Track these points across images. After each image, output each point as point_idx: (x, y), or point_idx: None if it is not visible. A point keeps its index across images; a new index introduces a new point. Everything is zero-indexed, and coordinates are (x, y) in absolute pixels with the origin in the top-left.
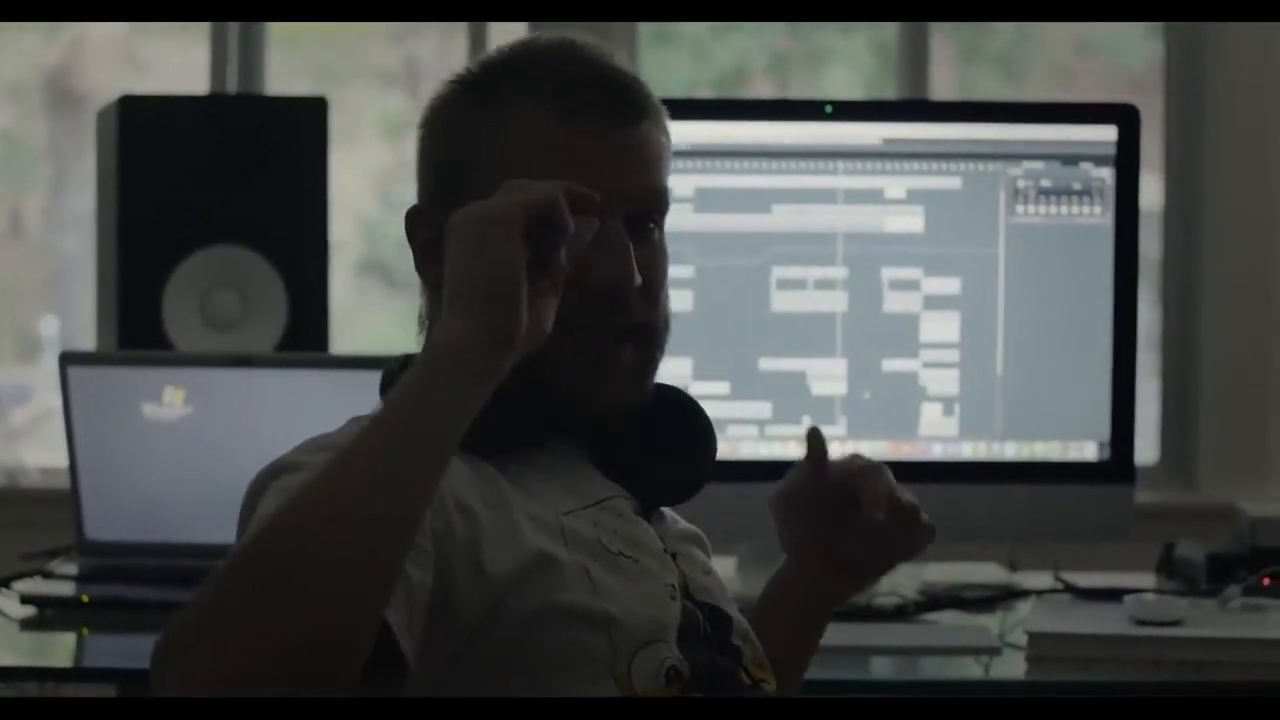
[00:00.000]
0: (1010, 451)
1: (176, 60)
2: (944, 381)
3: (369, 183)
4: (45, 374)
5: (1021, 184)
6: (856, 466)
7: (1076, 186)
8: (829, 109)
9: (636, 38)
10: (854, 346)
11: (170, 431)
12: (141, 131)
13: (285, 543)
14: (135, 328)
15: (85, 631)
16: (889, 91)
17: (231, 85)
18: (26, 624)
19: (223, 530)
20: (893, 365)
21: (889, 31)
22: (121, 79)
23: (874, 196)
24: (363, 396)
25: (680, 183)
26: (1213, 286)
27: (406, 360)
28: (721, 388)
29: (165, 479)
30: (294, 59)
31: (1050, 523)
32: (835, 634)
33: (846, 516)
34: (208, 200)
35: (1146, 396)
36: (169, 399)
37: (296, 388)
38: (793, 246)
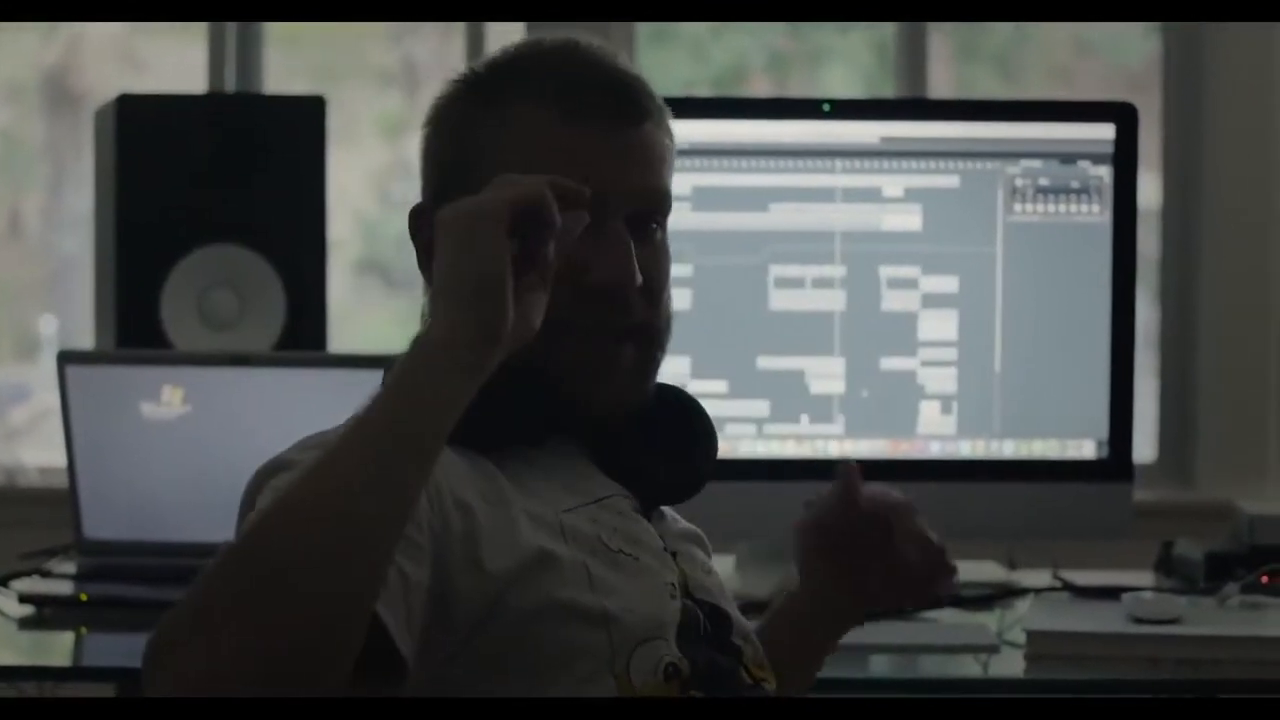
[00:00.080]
0: (1008, 450)
1: (174, 59)
2: (942, 380)
3: (367, 182)
4: (44, 373)
5: (1019, 182)
6: (890, 501)
7: (1074, 185)
8: (827, 108)
9: (634, 37)
10: (852, 345)
11: (168, 430)
12: (140, 131)
13: (273, 541)
14: (133, 327)
15: (84, 630)
16: (887, 90)
17: (230, 84)
18: (25, 623)
19: (221, 529)
20: (891, 364)
21: (887, 30)
22: (120, 78)
23: (872, 195)
24: (361, 395)
25: (678, 181)
26: (1211, 285)
27: None
28: (719, 386)
29: (163, 478)
30: (292, 58)
31: (1048, 521)
32: None
33: (870, 547)
34: (206, 199)
35: (1145, 395)
36: (167, 398)
37: (295, 387)
38: (791, 245)
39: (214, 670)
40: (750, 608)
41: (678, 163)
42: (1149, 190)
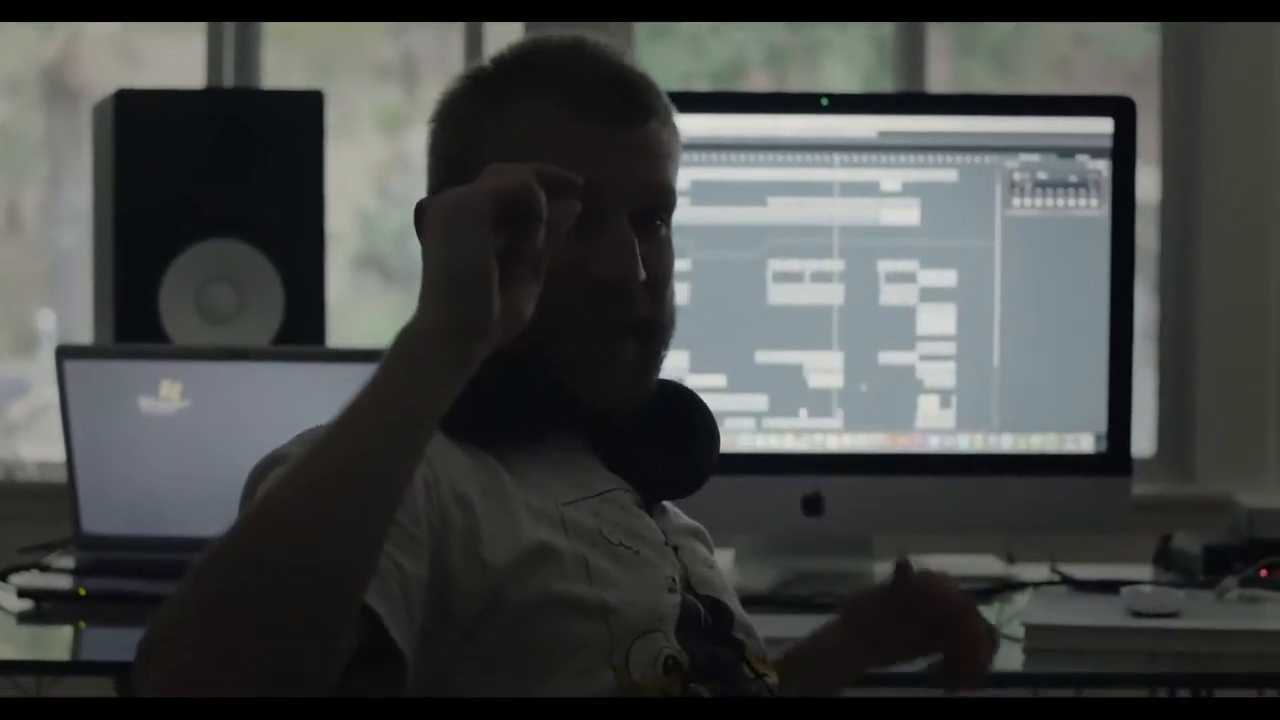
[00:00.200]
0: (1007, 444)
1: (173, 54)
2: (941, 374)
3: (366, 176)
4: (42, 368)
5: (1018, 176)
6: (945, 595)
7: (1073, 179)
8: (825, 102)
9: (633, 33)
10: (850, 339)
11: (167, 425)
12: (138, 125)
13: (259, 535)
14: (132, 321)
15: (82, 625)
16: (886, 85)
17: (228, 79)
18: (24, 617)
19: (220, 523)
20: (889, 358)
21: (885, 25)
22: (118, 73)
23: (870, 189)
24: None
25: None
26: (1210, 278)
27: None
28: (718, 380)
29: (162, 472)
30: (290, 53)
31: (1047, 514)
32: None
33: (916, 626)
34: (204, 194)
35: (1143, 388)
36: (166, 392)
37: (293, 381)
38: (789, 239)
39: (203, 664)
40: (750, 601)
41: None
42: (1147, 184)
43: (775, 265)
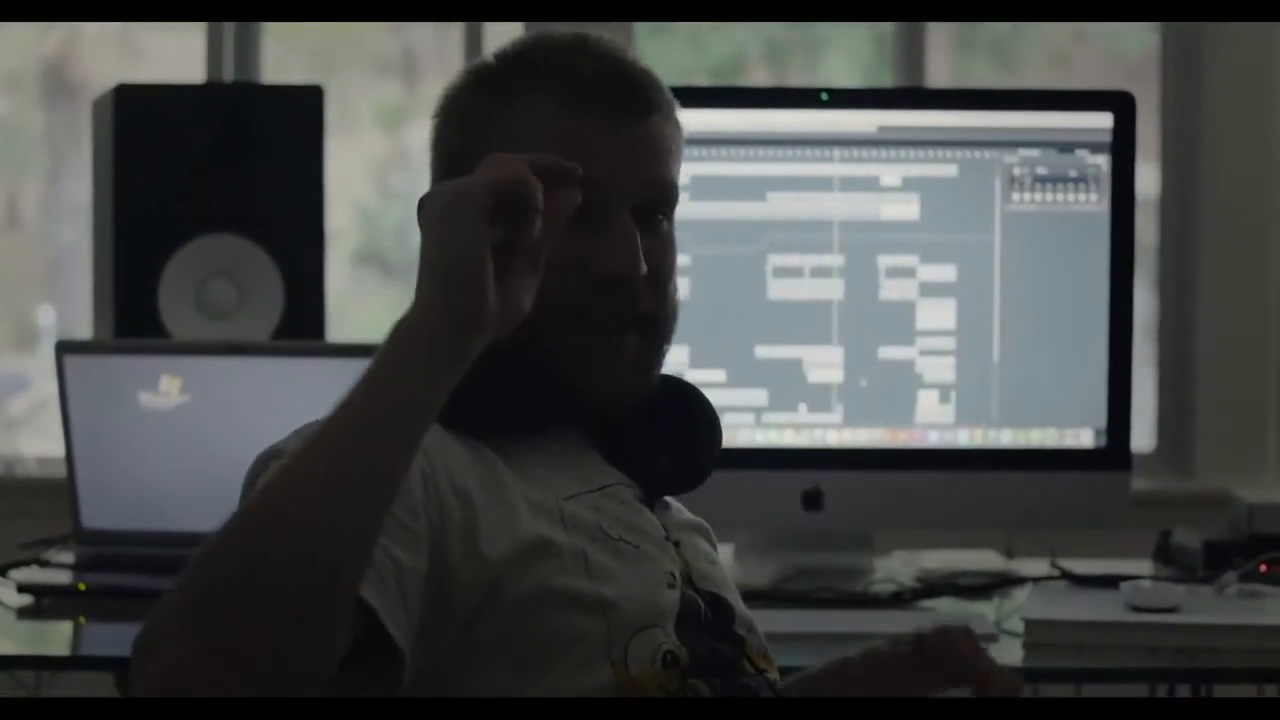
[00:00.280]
0: (1007, 439)
1: (172, 49)
2: (940, 369)
3: (366, 172)
4: (42, 363)
5: (1017, 171)
6: (971, 666)
7: (1072, 174)
8: (825, 96)
9: (633, 29)
10: (850, 334)
11: (166, 420)
12: (137, 120)
13: (252, 530)
14: (131, 317)
15: (82, 620)
16: (886, 80)
17: (227, 74)
18: (23, 612)
19: (220, 518)
20: (889, 353)
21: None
22: (117, 68)
23: (870, 184)
24: None
25: None
26: (1209, 274)
27: None
28: (718, 375)
29: (161, 467)
30: (290, 48)
31: (1047, 510)
32: (833, 621)
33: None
34: (204, 189)
35: (1143, 384)
36: (165, 388)
37: (293, 376)
38: (789, 234)
39: (200, 658)
40: (749, 596)
41: None
42: (1147, 179)
43: (775, 260)
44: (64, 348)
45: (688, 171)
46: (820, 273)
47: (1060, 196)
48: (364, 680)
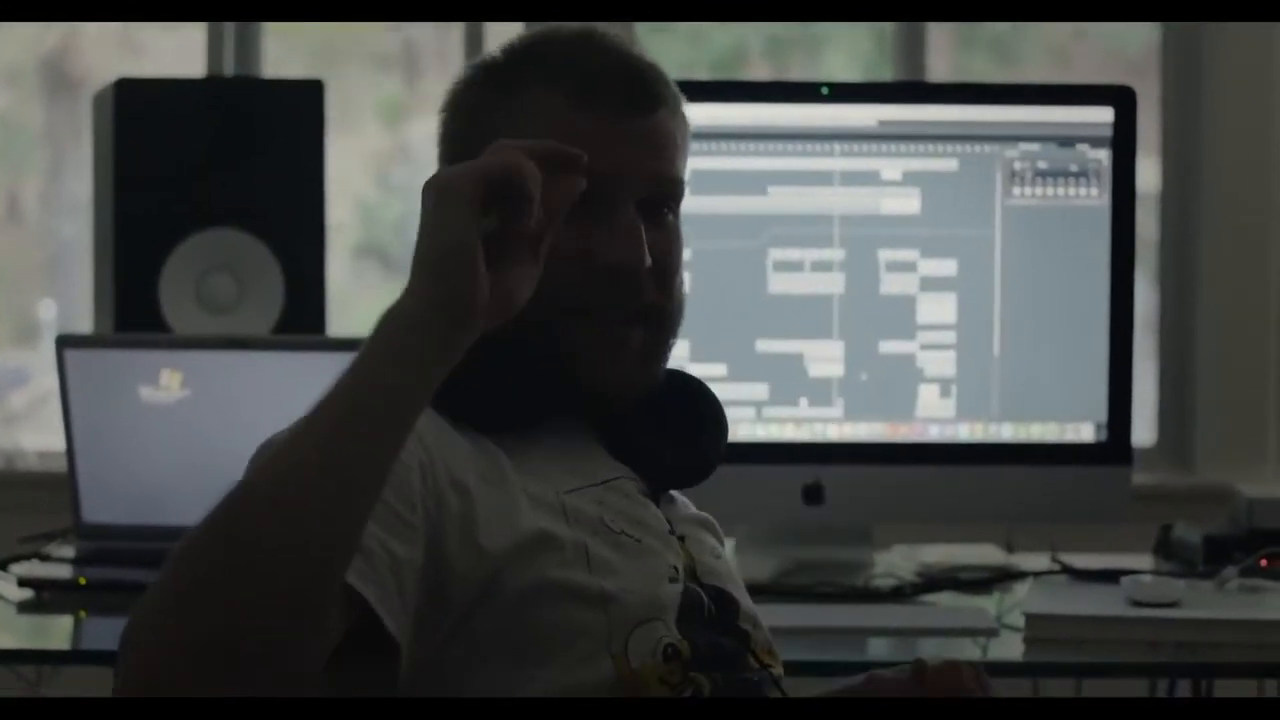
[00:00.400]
0: (1007, 433)
1: (173, 43)
2: (941, 363)
3: (366, 166)
4: (43, 357)
5: (1018, 166)
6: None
7: (1073, 168)
8: (825, 91)
9: (632, 23)
10: (851, 328)
11: (167, 414)
12: (138, 115)
13: (236, 519)
14: (132, 311)
15: (82, 614)
16: (886, 75)
17: (228, 68)
18: (24, 607)
19: None
20: (889, 347)
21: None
22: (118, 62)
23: (870, 178)
24: None
25: None
26: (1210, 268)
27: None
28: (719, 369)
29: (162, 462)
30: (291, 43)
31: (1047, 504)
32: (833, 615)
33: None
34: (204, 184)
35: (1143, 378)
36: (166, 382)
37: (293, 370)
38: (789, 228)
39: (188, 649)
40: (750, 591)
41: None
42: (1147, 174)
43: (775, 254)
44: (64, 342)
45: (688, 166)
46: (821, 267)
47: (1061, 191)
48: (360, 674)
